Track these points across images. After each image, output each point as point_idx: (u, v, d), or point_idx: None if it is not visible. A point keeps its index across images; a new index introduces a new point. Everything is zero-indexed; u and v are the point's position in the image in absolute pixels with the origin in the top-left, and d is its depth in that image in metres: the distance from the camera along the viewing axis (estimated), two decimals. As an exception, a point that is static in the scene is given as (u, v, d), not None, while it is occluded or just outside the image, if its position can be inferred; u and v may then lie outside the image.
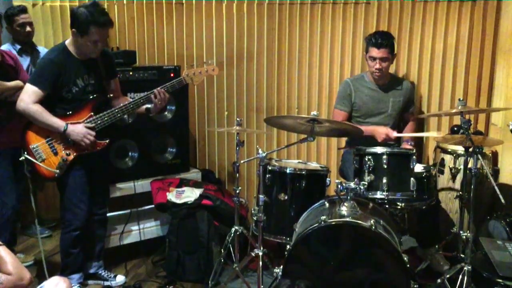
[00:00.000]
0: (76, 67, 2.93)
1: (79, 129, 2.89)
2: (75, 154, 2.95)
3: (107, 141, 3.04)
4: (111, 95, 3.14)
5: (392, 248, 2.38)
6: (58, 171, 2.92)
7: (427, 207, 3.09)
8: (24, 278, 1.94)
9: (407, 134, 3.56)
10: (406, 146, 3.47)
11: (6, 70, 3.14)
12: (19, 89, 3.00)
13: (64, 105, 2.93)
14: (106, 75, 3.09)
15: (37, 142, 2.90)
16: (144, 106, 3.10)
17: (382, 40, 3.38)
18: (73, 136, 2.88)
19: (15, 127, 3.02)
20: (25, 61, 3.69)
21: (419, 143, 3.95)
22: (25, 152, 2.88)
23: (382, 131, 3.38)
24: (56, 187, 3.12)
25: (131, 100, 3.08)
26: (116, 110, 3.00)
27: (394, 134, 3.39)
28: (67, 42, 2.96)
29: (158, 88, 3.05)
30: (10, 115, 3.05)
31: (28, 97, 2.83)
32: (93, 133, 2.92)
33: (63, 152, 2.93)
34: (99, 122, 2.96)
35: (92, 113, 2.96)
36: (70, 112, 2.93)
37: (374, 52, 3.40)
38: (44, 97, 2.85)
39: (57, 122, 2.87)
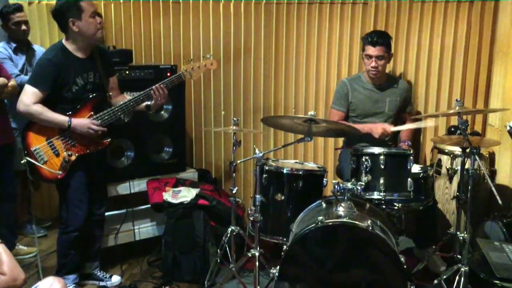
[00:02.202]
0: (75, 66, 2.91)
1: (82, 121, 2.88)
2: (77, 154, 2.93)
3: (109, 140, 3.03)
4: (110, 93, 3.12)
5: (389, 249, 2.37)
6: (60, 172, 2.89)
7: (424, 207, 3.07)
8: (17, 279, 1.92)
9: (403, 126, 3.51)
10: (403, 146, 3.46)
11: None
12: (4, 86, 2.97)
13: (64, 105, 2.91)
14: (104, 73, 3.07)
15: (38, 144, 2.88)
16: (144, 103, 3.09)
17: (378, 38, 3.40)
18: (78, 130, 2.86)
19: None
20: (20, 60, 3.69)
21: (416, 144, 3.95)
22: (26, 155, 2.85)
23: (378, 127, 3.38)
24: (52, 187, 3.10)
25: (130, 98, 3.06)
26: (117, 109, 2.98)
27: (391, 128, 3.38)
28: (64, 41, 2.93)
29: (157, 84, 3.03)
30: None
31: (28, 99, 2.80)
32: (97, 122, 2.90)
33: (65, 153, 2.91)
34: (99, 121, 2.94)
35: (92, 112, 2.95)
36: (70, 112, 2.91)
37: (370, 50, 3.41)
38: (43, 98, 2.83)
39: (60, 118, 2.85)
